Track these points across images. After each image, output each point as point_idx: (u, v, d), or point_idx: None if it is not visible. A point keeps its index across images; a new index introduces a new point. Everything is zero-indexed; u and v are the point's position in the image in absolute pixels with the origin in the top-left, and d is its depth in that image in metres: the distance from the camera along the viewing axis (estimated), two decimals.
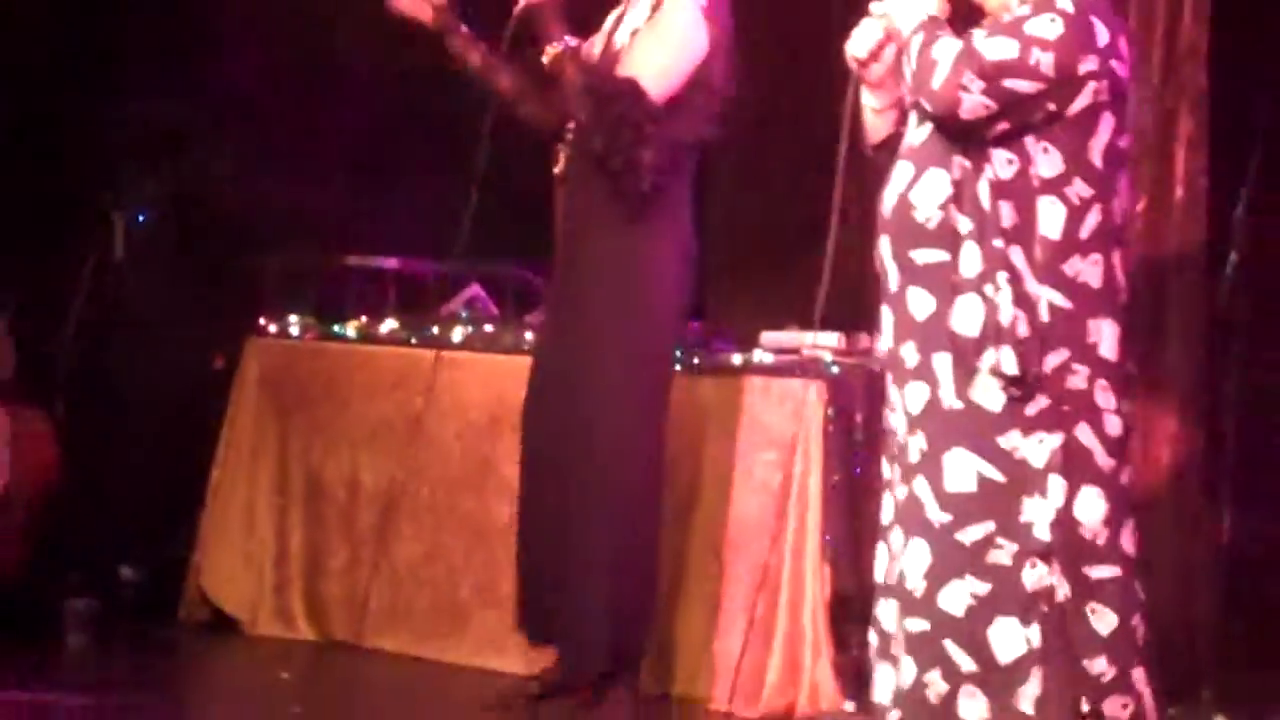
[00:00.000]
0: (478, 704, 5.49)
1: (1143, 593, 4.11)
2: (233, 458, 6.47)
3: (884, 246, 4.17)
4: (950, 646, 4.04)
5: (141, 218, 6.97)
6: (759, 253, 5.75)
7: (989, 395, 4.03)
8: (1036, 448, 4.02)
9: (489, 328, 6.18)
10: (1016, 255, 4.03)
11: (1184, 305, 5.61)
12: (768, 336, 5.73)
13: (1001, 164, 4.04)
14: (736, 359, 5.70)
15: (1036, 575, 4.01)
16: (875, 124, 4.37)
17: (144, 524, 6.60)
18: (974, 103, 4.00)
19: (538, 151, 5.49)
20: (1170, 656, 5.22)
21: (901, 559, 4.12)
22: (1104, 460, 4.06)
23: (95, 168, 7.04)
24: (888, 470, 4.24)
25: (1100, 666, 4.03)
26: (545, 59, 5.23)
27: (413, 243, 6.70)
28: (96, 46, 7.11)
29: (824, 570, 5.43)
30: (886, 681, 4.17)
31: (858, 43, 4.29)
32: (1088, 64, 4.02)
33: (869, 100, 4.36)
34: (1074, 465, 4.03)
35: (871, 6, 4.26)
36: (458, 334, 6.18)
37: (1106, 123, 4.07)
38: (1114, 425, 4.08)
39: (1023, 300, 4.02)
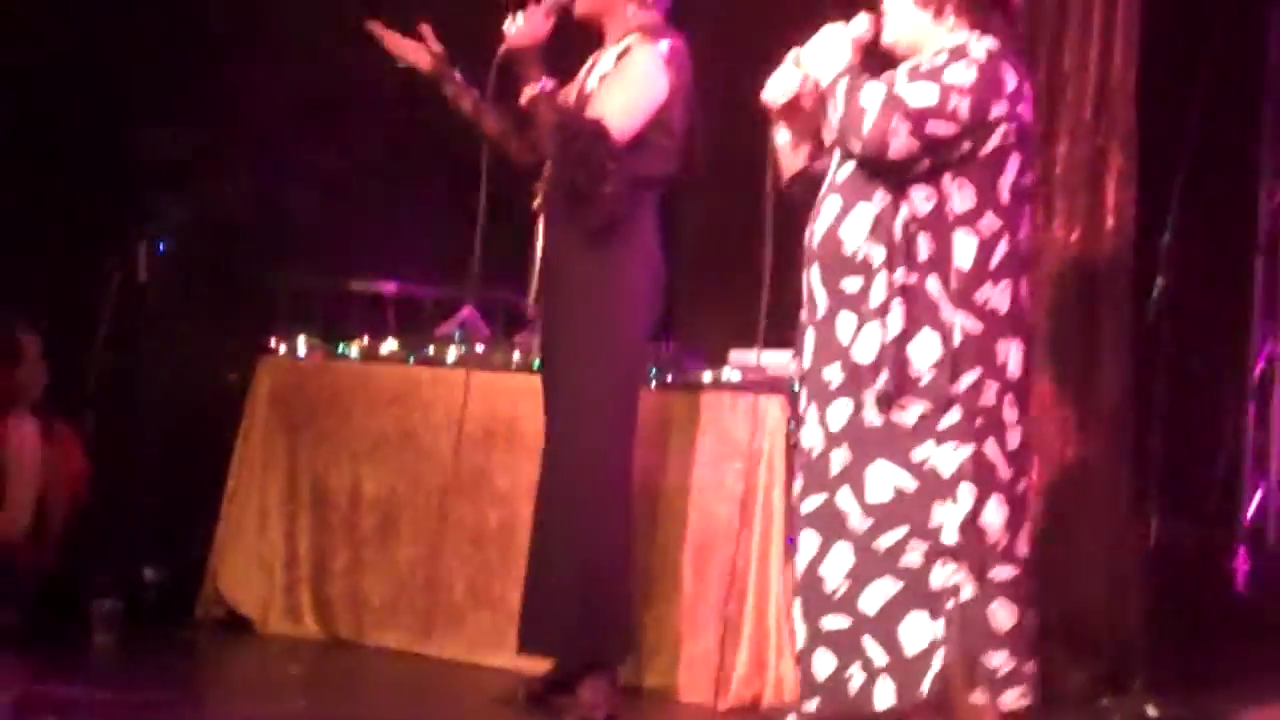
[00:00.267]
0: (474, 697, 5.59)
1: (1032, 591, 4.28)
2: (246, 468, 6.55)
3: (814, 275, 4.31)
4: (868, 642, 4.21)
5: (162, 247, 7.05)
6: (725, 277, 5.81)
7: (904, 412, 4.19)
8: (948, 456, 4.17)
9: (480, 348, 6.22)
10: (933, 284, 4.18)
11: (1114, 326, 5.72)
12: (735, 355, 5.75)
13: (920, 199, 4.21)
14: (706, 376, 5.75)
15: (945, 574, 4.16)
16: (789, 161, 4.55)
17: (165, 529, 6.69)
18: (901, 145, 4.16)
19: (523, 184, 5.57)
20: (1104, 650, 5.50)
21: (822, 564, 4.25)
22: (1005, 471, 4.24)
23: (121, 195, 7.14)
24: (798, 483, 4.38)
25: (999, 660, 4.20)
26: (523, 99, 5.33)
27: (417, 267, 6.82)
28: (121, 81, 7.19)
29: (787, 572, 5.24)
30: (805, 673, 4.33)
31: (774, 89, 4.47)
32: (998, 109, 4.20)
33: (783, 139, 4.54)
34: (982, 475, 4.19)
35: (789, 56, 4.44)
36: (452, 354, 6.24)
37: (1014, 161, 4.25)
38: (1015, 438, 4.25)
39: (938, 325, 4.18)
